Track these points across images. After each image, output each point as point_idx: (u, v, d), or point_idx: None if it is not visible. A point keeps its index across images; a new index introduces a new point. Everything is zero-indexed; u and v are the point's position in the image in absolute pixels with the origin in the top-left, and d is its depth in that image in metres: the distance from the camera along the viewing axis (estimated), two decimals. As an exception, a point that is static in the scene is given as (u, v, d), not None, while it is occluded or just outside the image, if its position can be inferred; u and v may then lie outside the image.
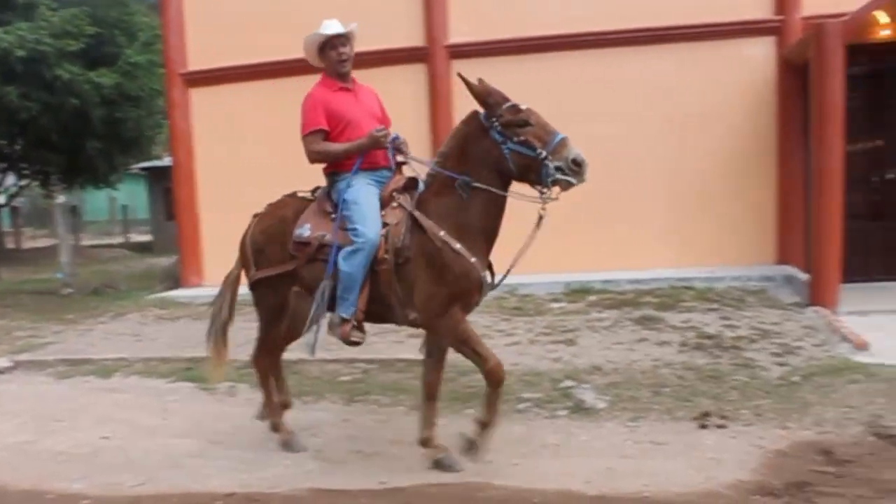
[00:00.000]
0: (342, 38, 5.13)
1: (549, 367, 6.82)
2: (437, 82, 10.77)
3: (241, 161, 11.70)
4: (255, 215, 5.47)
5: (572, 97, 10.11)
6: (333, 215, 4.97)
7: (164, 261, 17.35)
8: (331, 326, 4.91)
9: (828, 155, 8.28)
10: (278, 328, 5.38)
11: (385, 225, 4.79)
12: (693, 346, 7.16)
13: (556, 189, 4.51)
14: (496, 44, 10.58)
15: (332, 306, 4.90)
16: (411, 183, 5.02)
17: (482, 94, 4.66)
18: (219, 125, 11.94)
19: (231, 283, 5.65)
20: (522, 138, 4.52)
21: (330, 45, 5.12)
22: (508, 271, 4.84)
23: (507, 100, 4.66)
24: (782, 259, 10.37)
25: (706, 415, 5.64)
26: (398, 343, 7.89)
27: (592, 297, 9.29)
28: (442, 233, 4.63)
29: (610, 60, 10.47)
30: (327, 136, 5.05)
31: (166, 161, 21.18)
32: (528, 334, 7.79)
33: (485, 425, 4.74)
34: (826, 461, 4.84)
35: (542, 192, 4.56)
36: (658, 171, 10.48)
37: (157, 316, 10.36)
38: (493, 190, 4.63)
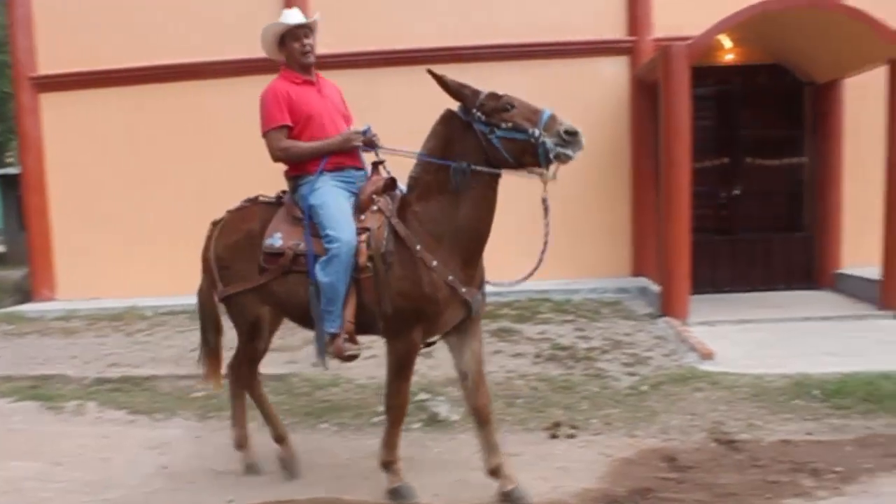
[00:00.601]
0: (305, 29, 4.87)
1: (404, 380, 6.79)
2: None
3: (96, 169, 11.28)
4: (214, 223, 5.12)
5: (437, 111, 10.14)
6: (304, 222, 4.66)
7: (16, 273, 16.61)
8: (323, 345, 4.58)
9: (676, 171, 8.58)
10: (260, 342, 5.11)
11: (366, 230, 4.47)
12: (547, 358, 7.29)
13: (554, 169, 4.27)
14: (361, 56, 10.55)
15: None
16: (390, 184, 4.72)
17: (456, 87, 4.43)
18: (71, 132, 11.45)
19: (205, 296, 5.32)
20: (511, 123, 4.27)
21: (292, 36, 4.84)
22: (531, 273, 4.63)
23: (479, 91, 4.43)
24: (637, 271, 10.69)
25: (557, 425, 5.75)
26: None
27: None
28: (418, 247, 4.35)
29: (474, 75, 10.46)
30: (290, 132, 4.74)
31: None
32: (384, 348, 7.74)
33: (384, 466, 4.69)
34: (669, 468, 5.01)
35: (541, 174, 4.31)
36: (518, 186, 10.59)
37: (4, 332, 9.89)
38: (492, 171, 4.35)
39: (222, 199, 10.49)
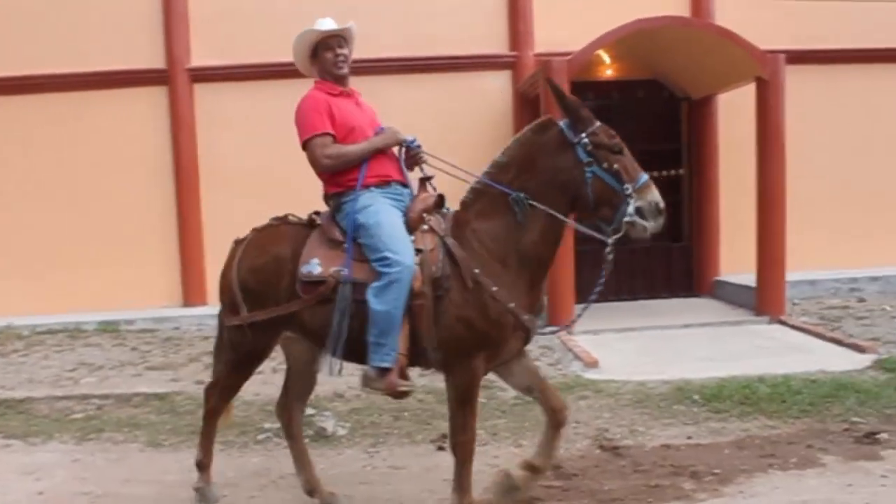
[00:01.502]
0: (338, 38, 4.48)
1: (292, 397, 6.70)
2: (178, 105, 10.39)
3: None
4: (238, 242, 4.59)
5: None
6: (346, 245, 4.20)
7: None
8: (367, 382, 4.08)
9: (559, 183, 8.72)
10: (248, 374, 4.65)
11: (418, 252, 4.04)
12: (434, 370, 7.29)
13: (619, 234, 4.00)
14: (240, 68, 10.39)
15: (349, 355, 4.19)
16: (440, 201, 4.31)
17: (576, 105, 4.05)
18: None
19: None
20: (615, 167, 3.96)
21: (324, 46, 4.45)
22: (581, 314, 4.43)
23: (594, 117, 4.07)
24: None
25: (444, 437, 5.73)
26: (136, 376, 7.55)
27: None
28: (477, 270, 3.97)
29: (361, 89, 10.52)
30: (334, 141, 4.31)
31: None
32: (272, 363, 7.57)
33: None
34: (555, 476, 5.04)
35: (608, 232, 4.02)
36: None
37: None
38: (556, 214, 4.03)
39: (98, 216, 10.31)
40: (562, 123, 4.07)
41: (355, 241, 4.16)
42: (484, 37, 10.75)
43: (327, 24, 4.47)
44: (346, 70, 4.51)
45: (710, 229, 10.83)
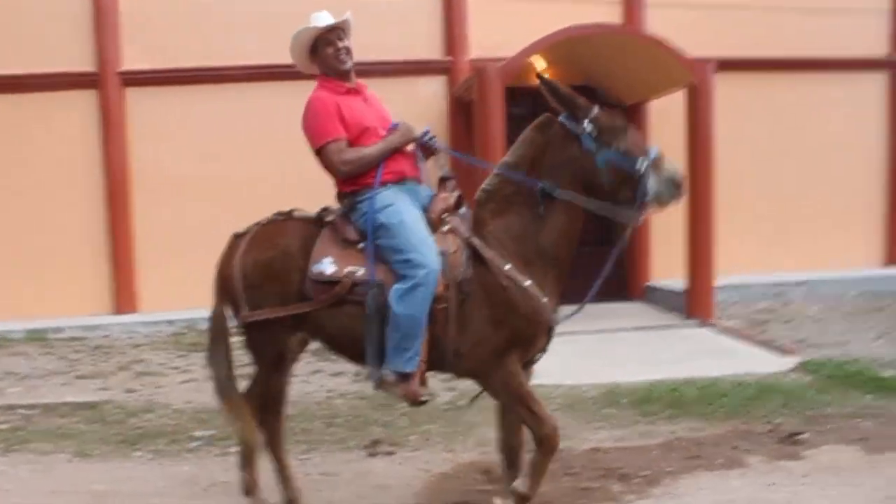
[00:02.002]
0: (338, 31, 4.28)
1: (223, 404, 6.62)
2: (109, 110, 10.21)
3: None
4: (237, 236, 4.34)
5: (254, 129, 10.15)
6: (361, 245, 4.04)
7: None
8: (385, 385, 3.98)
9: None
10: (280, 378, 4.38)
11: (441, 254, 3.91)
12: (366, 376, 7.28)
13: (644, 213, 4.01)
14: (172, 72, 10.23)
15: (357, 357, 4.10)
16: (459, 202, 4.20)
17: (571, 96, 3.94)
18: None
19: (221, 327, 4.39)
20: (623, 147, 3.87)
21: (324, 42, 4.26)
22: (582, 306, 4.26)
23: (591, 104, 3.97)
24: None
25: (376, 443, 5.75)
26: (65, 385, 7.40)
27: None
28: (508, 266, 3.87)
29: (297, 93, 10.44)
30: (349, 144, 4.14)
31: None
32: (204, 370, 7.55)
33: (523, 499, 3.98)
34: (486, 480, 5.07)
35: (632, 214, 3.96)
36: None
37: None
38: (582, 203, 3.93)
39: (25, 222, 10.08)
40: (562, 117, 3.98)
41: (375, 242, 4.01)
42: (419, 42, 10.78)
43: (324, 19, 4.27)
44: (349, 64, 4.32)
45: (642, 235, 10.97)
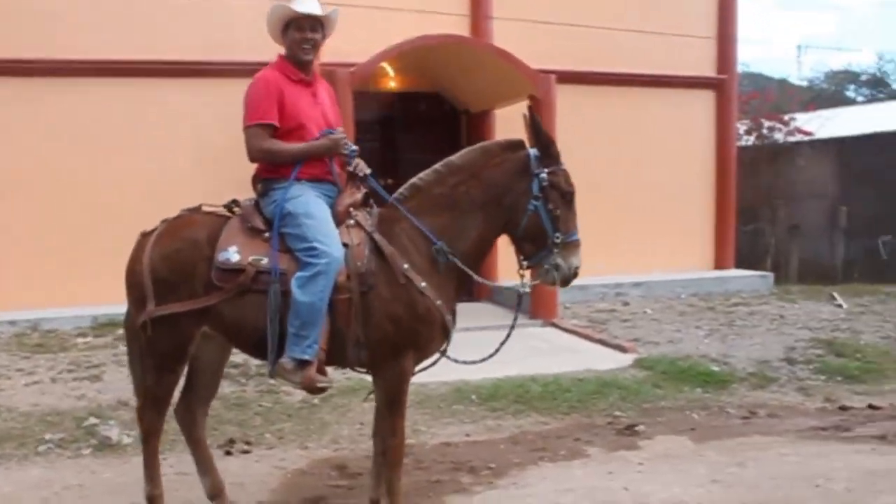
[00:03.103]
0: (312, 21, 4.17)
1: (72, 406, 6.47)
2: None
3: None
4: (144, 234, 4.21)
5: (106, 125, 9.92)
6: (267, 234, 4.02)
7: None
8: (283, 372, 3.92)
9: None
10: (174, 377, 4.19)
11: (343, 246, 3.93)
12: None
13: (530, 278, 4.18)
14: (22, 63, 9.84)
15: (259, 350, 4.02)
16: (366, 199, 4.23)
17: (549, 140, 4.13)
18: None
19: (135, 328, 4.18)
20: (557, 212, 4.04)
21: (296, 25, 4.15)
22: (490, 356, 4.42)
23: (560, 158, 4.16)
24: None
25: (231, 442, 5.80)
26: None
27: (121, 331, 8.99)
28: (406, 265, 3.94)
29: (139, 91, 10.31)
30: (275, 132, 4.08)
31: None
32: (50, 372, 7.34)
33: None
34: (340, 475, 5.25)
35: (521, 265, 4.17)
36: (193, 200, 10.39)
37: None
38: (467, 271, 4.08)
39: None
40: (530, 150, 4.13)
41: (280, 231, 4.03)
42: (269, 44, 10.70)
43: (306, 6, 4.18)
44: (311, 56, 4.25)
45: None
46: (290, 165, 4.10)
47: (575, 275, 4.13)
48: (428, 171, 4.24)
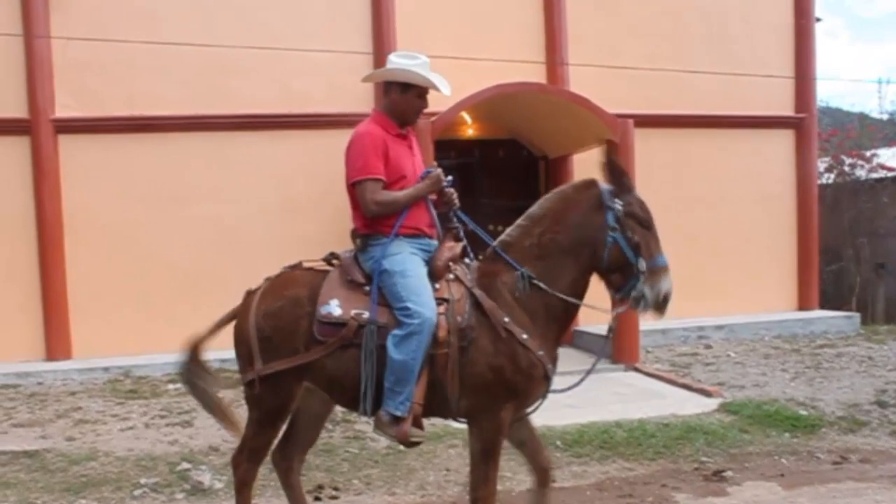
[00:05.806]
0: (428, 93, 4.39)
1: (165, 451, 6.67)
2: (41, 157, 10.07)
3: None
4: (250, 292, 4.39)
5: (187, 177, 10.26)
6: (367, 287, 4.14)
7: None
8: (379, 425, 4.03)
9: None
10: (275, 432, 4.36)
11: (443, 301, 4.03)
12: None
13: (624, 308, 4.18)
14: (106, 121, 10.25)
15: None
16: (465, 252, 4.33)
17: (621, 171, 4.23)
18: None
19: (202, 373, 4.54)
20: (637, 240, 4.11)
21: (419, 93, 4.33)
22: (576, 384, 4.43)
23: (633, 187, 4.27)
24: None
25: (320, 487, 5.89)
26: (2, 434, 7.33)
27: (208, 379, 9.22)
28: (506, 319, 4.01)
29: (235, 143, 10.61)
30: (384, 187, 4.19)
31: None
32: (143, 418, 7.58)
33: None
34: (428, 521, 5.29)
35: (615, 298, 4.25)
36: (271, 250, 10.64)
37: None
38: (560, 295, 4.11)
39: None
40: (602, 186, 4.22)
41: (379, 287, 4.11)
42: (351, 95, 10.96)
43: (443, 85, 4.34)
44: (417, 121, 4.50)
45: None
46: (394, 218, 4.18)
47: (665, 300, 4.14)
48: (512, 227, 4.34)
